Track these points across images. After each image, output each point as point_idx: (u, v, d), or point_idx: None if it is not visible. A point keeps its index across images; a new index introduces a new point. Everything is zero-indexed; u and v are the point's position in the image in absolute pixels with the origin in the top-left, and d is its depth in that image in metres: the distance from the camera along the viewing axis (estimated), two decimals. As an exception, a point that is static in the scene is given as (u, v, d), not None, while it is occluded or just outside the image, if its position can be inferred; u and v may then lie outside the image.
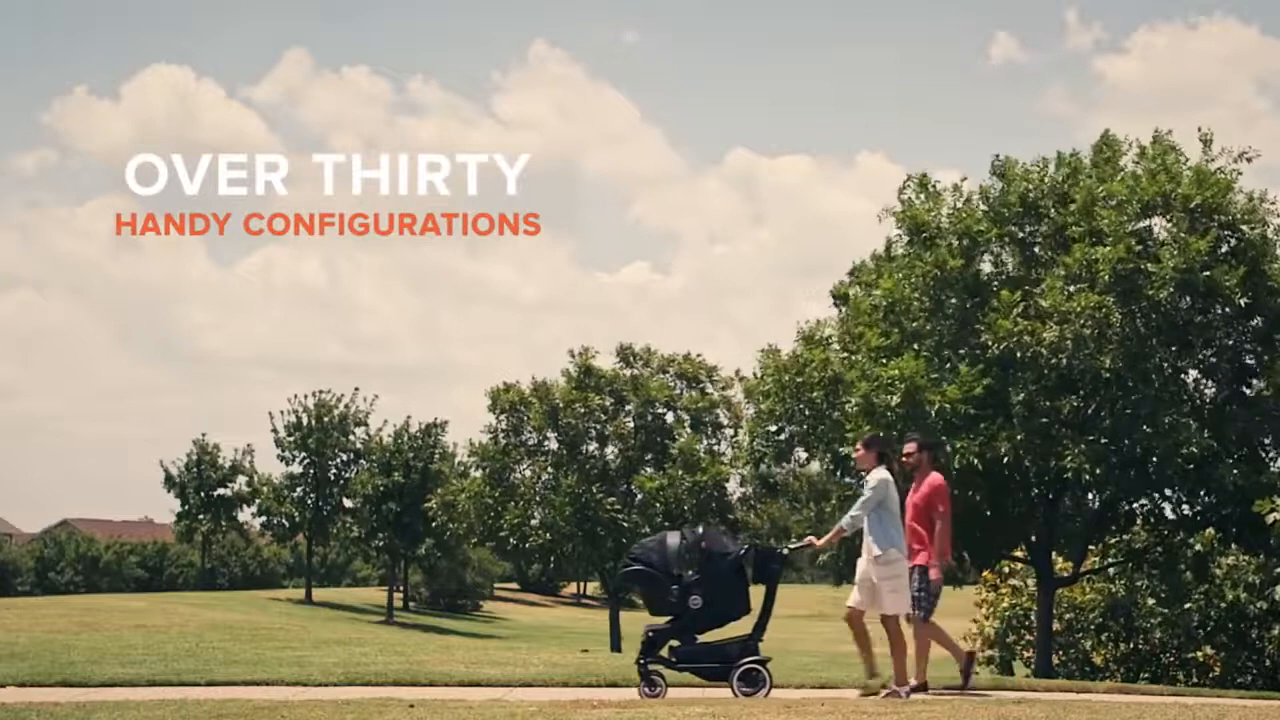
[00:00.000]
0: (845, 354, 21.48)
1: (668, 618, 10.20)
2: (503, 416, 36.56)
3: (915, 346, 20.84)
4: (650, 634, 10.17)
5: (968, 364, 20.34)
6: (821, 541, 11.04)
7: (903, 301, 21.05)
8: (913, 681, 10.67)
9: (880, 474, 10.50)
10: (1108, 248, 19.85)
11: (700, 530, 10.52)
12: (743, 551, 10.40)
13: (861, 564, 10.55)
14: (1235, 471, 19.86)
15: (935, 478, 10.89)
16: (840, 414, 21.08)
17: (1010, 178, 21.50)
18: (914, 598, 10.68)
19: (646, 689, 10.03)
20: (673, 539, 10.44)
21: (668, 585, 10.18)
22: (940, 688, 10.87)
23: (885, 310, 21.28)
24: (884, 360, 20.45)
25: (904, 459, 11.06)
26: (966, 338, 20.89)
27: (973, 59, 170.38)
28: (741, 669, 10.02)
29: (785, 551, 10.90)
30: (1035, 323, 19.87)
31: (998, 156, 21.85)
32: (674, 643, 10.19)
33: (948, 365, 20.70)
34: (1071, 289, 19.96)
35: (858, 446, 10.97)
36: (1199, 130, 21.04)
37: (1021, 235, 21.46)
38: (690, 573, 10.20)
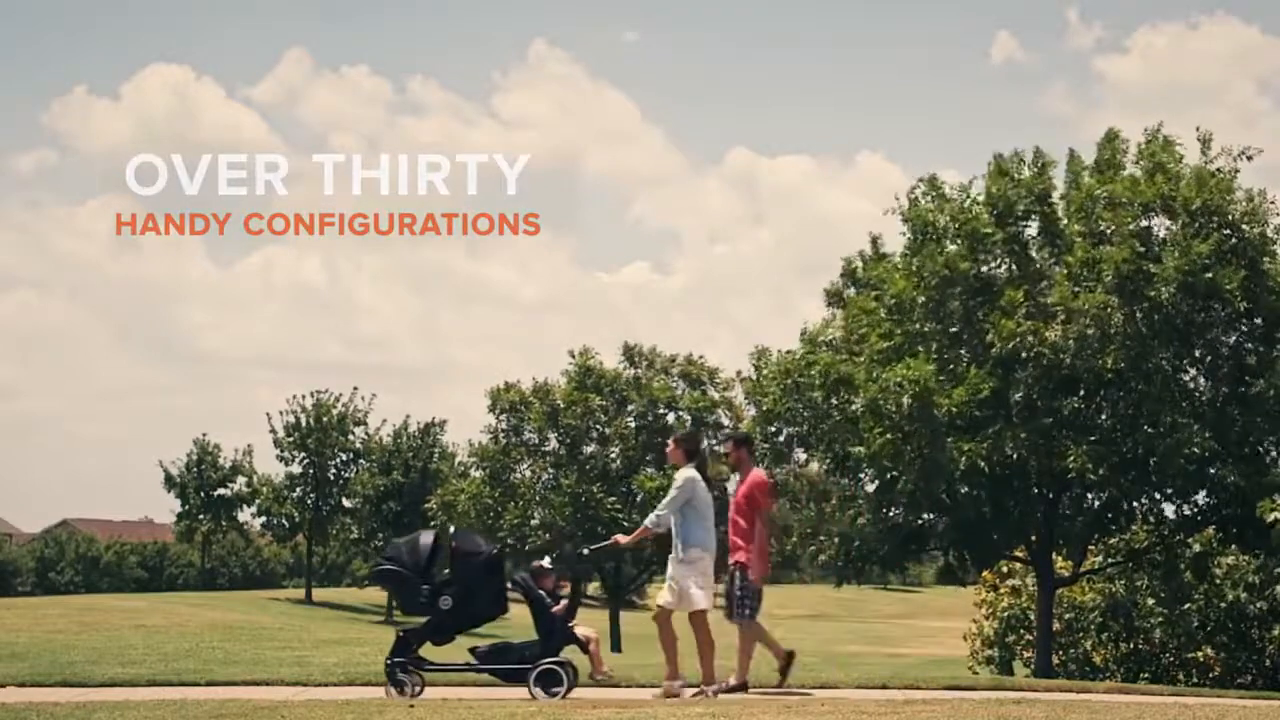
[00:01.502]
0: (848, 356, 21.45)
1: (421, 618, 10.23)
2: (503, 416, 36.56)
3: (920, 349, 20.84)
4: (401, 634, 10.19)
5: (972, 365, 20.36)
6: (627, 540, 11.00)
7: (910, 301, 21.04)
8: (731, 680, 10.63)
9: (687, 472, 10.44)
10: (1112, 248, 19.88)
11: (452, 530, 10.59)
12: (494, 551, 10.42)
13: (670, 563, 10.47)
14: (1236, 472, 19.89)
15: (757, 474, 10.90)
16: (841, 415, 21.07)
17: (1004, 173, 21.52)
18: (735, 598, 10.63)
19: (394, 690, 9.98)
20: (425, 539, 10.47)
21: (418, 585, 10.21)
22: (759, 687, 10.79)
23: (891, 309, 21.25)
24: (891, 362, 20.45)
25: (724, 457, 11.11)
26: (970, 338, 20.88)
27: (973, 59, 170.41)
28: (539, 670, 10.02)
29: (585, 553, 10.93)
30: (1038, 323, 19.87)
31: (1000, 155, 21.84)
32: (475, 645, 10.29)
33: (950, 367, 20.72)
34: (1076, 289, 19.96)
35: (669, 444, 10.97)
36: (1197, 130, 21.06)
37: (1018, 233, 21.46)
38: (445, 573, 10.29)
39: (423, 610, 10.22)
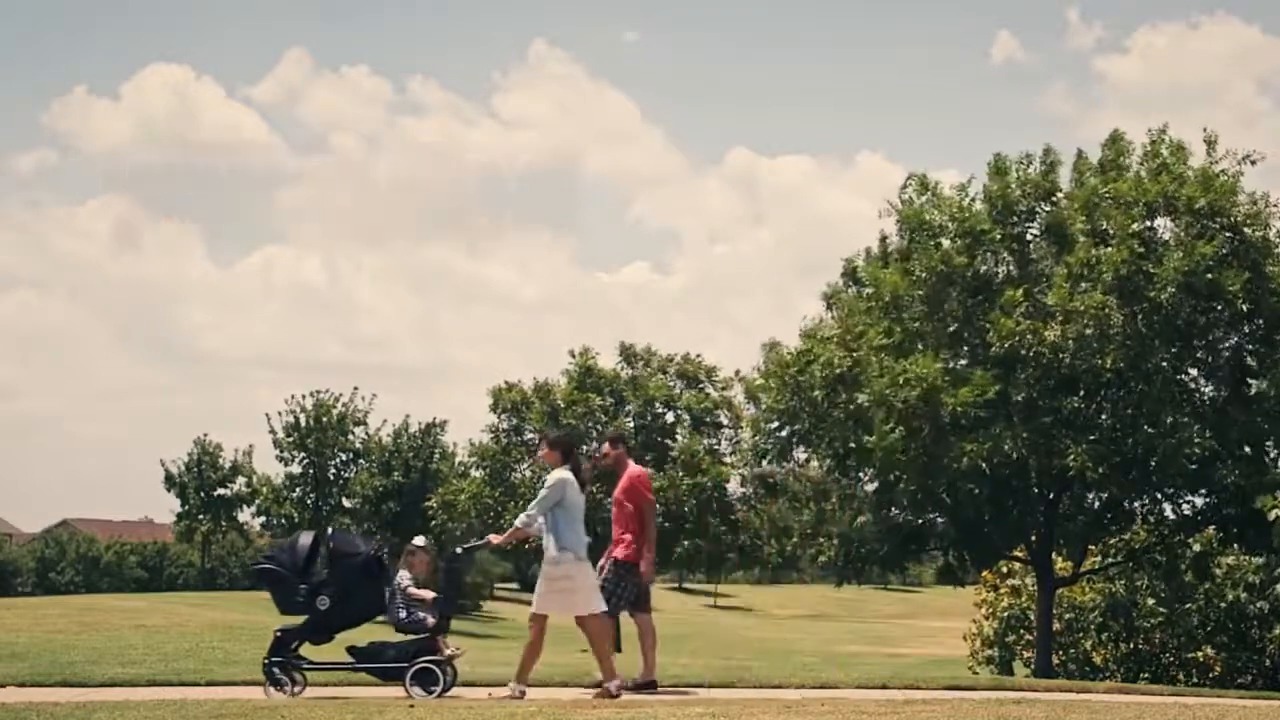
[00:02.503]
0: (847, 352, 21.36)
1: (299, 618, 10.28)
2: (504, 416, 36.51)
3: (919, 345, 20.82)
4: (279, 634, 10.24)
5: (970, 363, 20.36)
6: (499, 540, 10.99)
7: (906, 297, 21.00)
8: (637, 678, 10.62)
9: (560, 474, 10.38)
10: (1111, 249, 19.88)
11: (330, 531, 10.66)
12: (373, 552, 10.45)
13: (543, 565, 10.45)
14: (1236, 472, 19.88)
15: (634, 469, 10.92)
16: (842, 412, 20.98)
17: (1003, 171, 21.54)
18: (611, 592, 10.61)
19: (273, 688, 10.00)
20: (304, 539, 10.57)
21: (296, 585, 10.28)
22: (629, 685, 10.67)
23: (888, 305, 21.20)
24: (897, 358, 20.41)
25: (603, 460, 11.12)
26: (971, 337, 20.85)
27: (973, 59, 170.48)
28: (415, 668, 10.04)
29: (459, 551, 10.88)
30: (1037, 322, 19.86)
31: (1001, 155, 21.86)
32: (353, 644, 10.32)
33: (949, 364, 20.69)
34: (1077, 288, 19.94)
35: (542, 445, 10.94)
36: (1204, 131, 21.02)
37: (1019, 232, 21.47)
38: (324, 573, 10.37)
39: (300, 610, 10.28)
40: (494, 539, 11.06)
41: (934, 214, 21.52)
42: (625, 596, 10.68)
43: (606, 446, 11.15)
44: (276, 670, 10.07)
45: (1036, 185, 21.27)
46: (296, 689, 10.04)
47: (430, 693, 9.94)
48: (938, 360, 20.07)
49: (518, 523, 10.52)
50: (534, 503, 10.41)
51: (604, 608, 10.42)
